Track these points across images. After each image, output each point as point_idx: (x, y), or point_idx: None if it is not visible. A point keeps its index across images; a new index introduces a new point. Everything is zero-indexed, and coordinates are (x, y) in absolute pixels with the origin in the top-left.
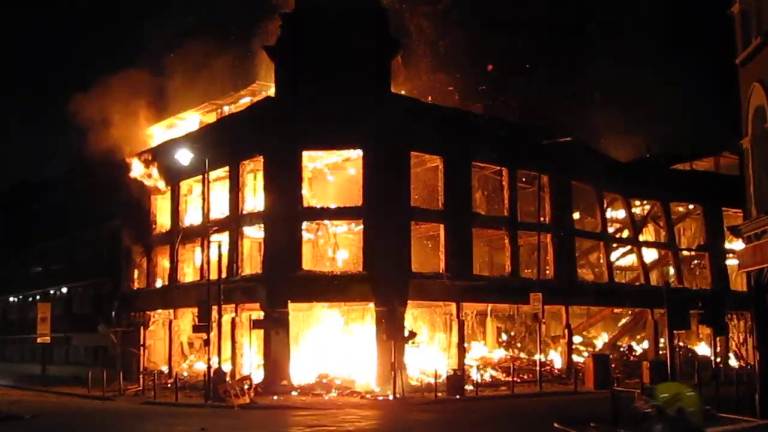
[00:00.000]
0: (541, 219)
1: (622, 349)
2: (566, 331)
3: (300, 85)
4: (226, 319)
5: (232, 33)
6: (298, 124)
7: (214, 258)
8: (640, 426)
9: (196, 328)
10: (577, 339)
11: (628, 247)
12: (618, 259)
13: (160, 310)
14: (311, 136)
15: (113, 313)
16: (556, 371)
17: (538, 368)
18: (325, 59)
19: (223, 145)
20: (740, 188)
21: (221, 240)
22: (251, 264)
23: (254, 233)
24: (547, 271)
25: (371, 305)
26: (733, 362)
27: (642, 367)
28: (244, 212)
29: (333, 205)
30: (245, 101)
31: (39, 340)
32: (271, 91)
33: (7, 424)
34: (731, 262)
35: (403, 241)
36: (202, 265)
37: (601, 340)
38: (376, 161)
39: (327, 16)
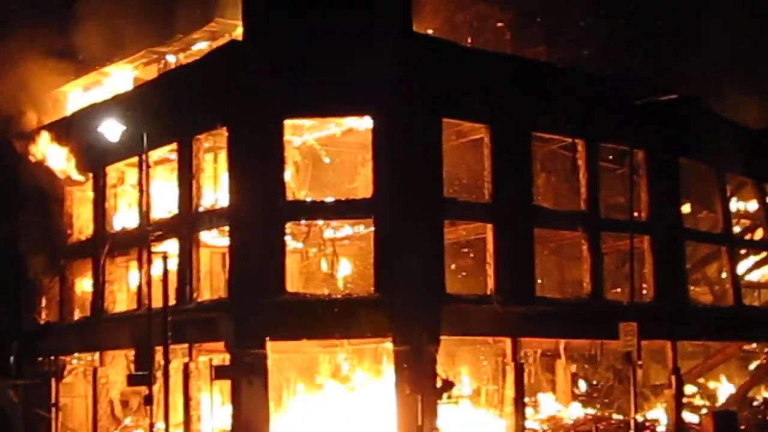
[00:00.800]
0: (635, 215)
1: (755, 403)
2: (673, 377)
3: (280, 24)
4: (177, 365)
5: None
6: (277, 81)
7: (157, 277)
8: None
9: (132, 380)
10: (689, 389)
11: (764, 254)
12: (749, 271)
13: (79, 354)
14: (297, 97)
15: (11, 358)
16: None
17: None
18: None
19: (168, 112)
20: None
21: (168, 251)
22: (212, 285)
23: (216, 240)
24: (645, 291)
25: (388, 343)
26: None
27: None
28: (201, 210)
29: (330, 199)
30: (200, 48)
31: None
32: (238, 33)
33: None
34: None
35: (433, 249)
36: (140, 288)
37: (724, 390)
38: (392, 133)
39: None
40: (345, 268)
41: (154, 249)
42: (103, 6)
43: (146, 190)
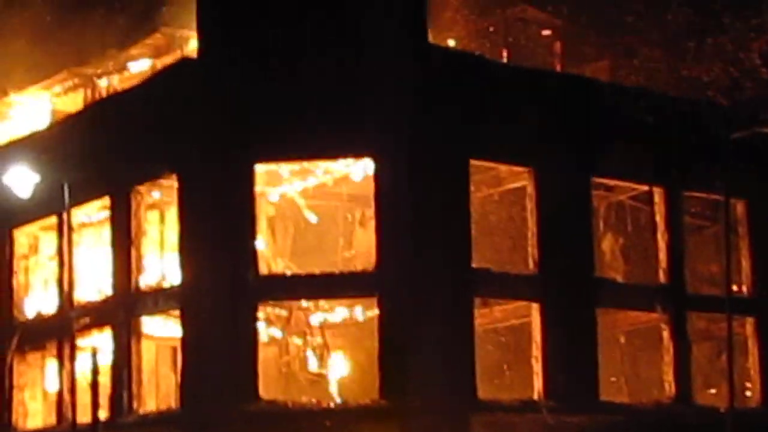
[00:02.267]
0: (734, 288)
1: None
2: None
3: (249, 33)
4: None
5: None
6: (245, 111)
7: (85, 379)
8: None
9: None
10: None
11: None
12: None
13: None
14: (273, 133)
15: None
16: None
17: None
18: None
19: (98, 155)
20: None
21: (98, 344)
22: (158, 390)
23: (163, 329)
24: (749, 393)
25: None
26: None
27: None
28: (143, 288)
29: (317, 271)
30: (140, 68)
31: None
32: (192, 49)
33: None
34: None
35: (459, 338)
36: (60, 395)
37: None
38: (401, 181)
39: None
40: (339, 366)
41: (79, 342)
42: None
43: (68, 261)
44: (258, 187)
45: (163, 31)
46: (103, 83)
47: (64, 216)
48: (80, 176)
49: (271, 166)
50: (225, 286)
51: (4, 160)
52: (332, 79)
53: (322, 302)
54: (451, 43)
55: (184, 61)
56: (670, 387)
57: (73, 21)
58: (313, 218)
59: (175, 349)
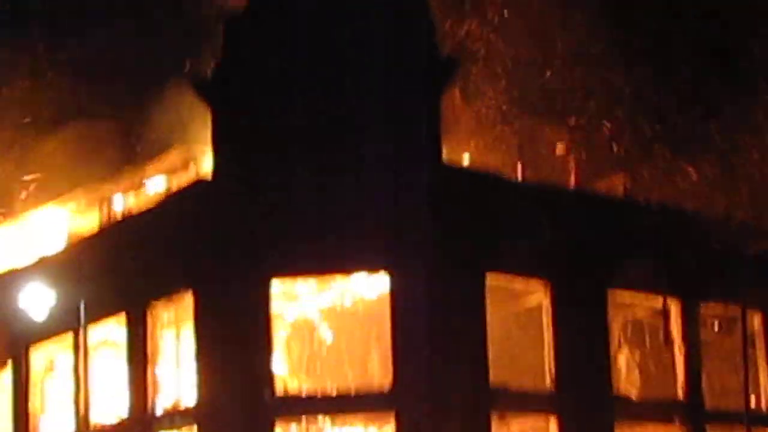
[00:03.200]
0: (753, 401)
1: None
2: None
3: (265, 151)
4: None
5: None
6: (260, 227)
7: None
8: None
9: None
10: None
11: None
12: None
13: None
14: (288, 249)
15: None
16: None
17: None
18: (313, 100)
19: (114, 272)
20: None
21: None
22: None
23: None
24: None
25: None
26: None
27: None
28: (158, 410)
29: (333, 390)
30: (156, 184)
31: None
32: (207, 169)
33: None
34: None
35: None
36: None
37: None
38: (418, 296)
39: (318, 17)
40: None
41: None
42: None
43: (84, 381)
44: (274, 305)
45: (179, 148)
46: (118, 201)
47: (80, 334)
48: (96, 293)
49: (287, 281)
50: (241, 406)
51: (21, 280)
52: (348, 194)
53: (339, 419)
54: (466, 157)
55: (199, 182)
56: None
57: (85, 137)
58: (329, 336)
59: None
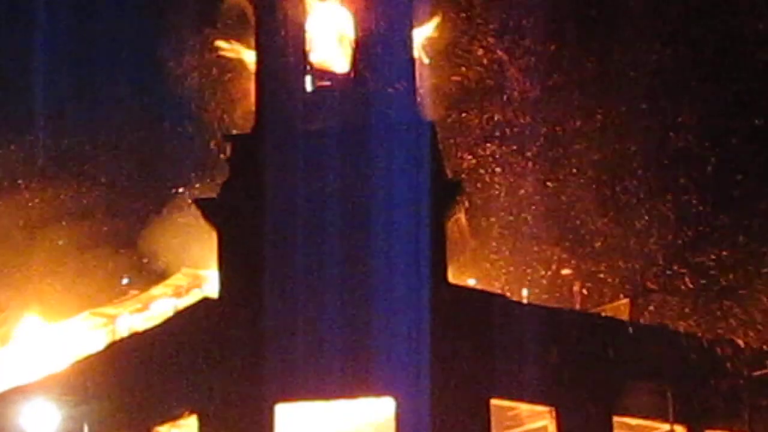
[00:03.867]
0: None
1: None
2: None
3: (269, 273)
4: None
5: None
6: (265, 350)
7: None
8: None
9: None
10: None
11: None
12: None
13: None
14: (293, 373)
15: None
16: None
17: None
18: (319, 223)
19: (118, 394)
20: None
21: None
22: None
23: None
24: None
25: None
26: None
27: None
28: None
29: None
30: (162, 307)
31: None
32: (212, 288)
33: None
34: None
35: None
36: None
37: None
38: (422, 421)
39: (324, 140)
40: None
41: None
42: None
43: None
44: (278, 430)
45: (185, 272)
46: (124, 323)
47: None
48: (100, 414)
49: (292, 406)
50: None
51: (24, 398)
52: (352, 318)
53: None
54: (471, 282)
55: (204, 301)
56: None
57: (96, 261)
58: None
59: None
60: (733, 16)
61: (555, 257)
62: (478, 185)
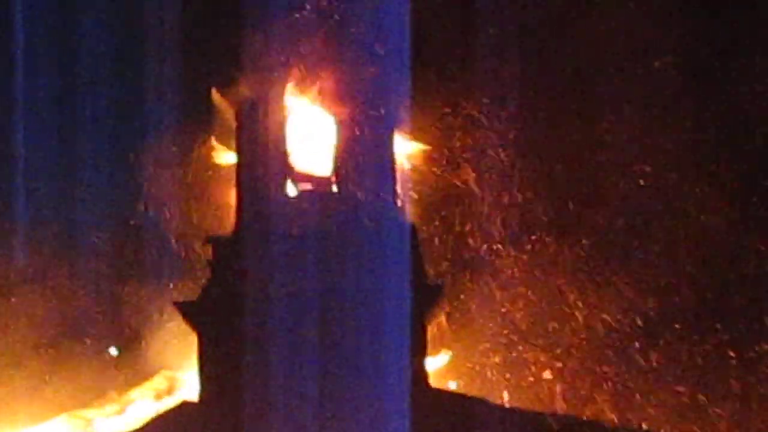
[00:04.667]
0: None
1: None
2: None
3: (250, 375)
4: None
5: None
6: None
7: None
8: None
9: None
10: None
11: None
12: None
13: None
14: None
15: None
16: None
17: None
18: (297, 325)
19: None
20: None
21: None
22: None
23: None
24: None
25: None
26: None
27: None
28: None
29: None
30: (141, 410)
31: None
32: (192, 391)
33: None
34: None
35: None
36: None
37: None
38: None
39: (304, 243)
40: None
41: None
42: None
43: None
44: None
45: (165, 374)
46: (102, 427)
47: None
48: None
49: None
50: None
51: None
52: (331, 423)
53: None
54: (452, 385)
55: (184, 404)
56: None
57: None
58: None
59: None
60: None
61: (537, 359)
62: (460, 286)
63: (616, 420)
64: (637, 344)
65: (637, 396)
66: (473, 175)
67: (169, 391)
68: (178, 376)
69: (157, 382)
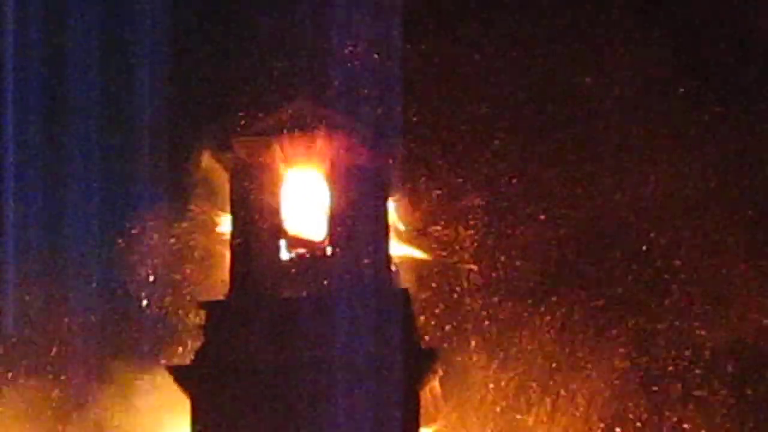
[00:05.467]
0: None
1: None
2: None
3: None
4: None
5: None
6: None
7: None
8: None
9: None
10: None
11: None
12: None
13: None
14: None
15: None
16: None
17: None
18: (293, 387)
19: None
20: None
21: None
22: None
23: None
24: None
25: None
26: None
27: None
28: None
29: None
30: None
31: None
32: None
33: None
34: None
35: None
36: None
37: None
38: None
39: (299, 304)
40: None
41: None
42: None
43: None
44: None
45: None
46: None
47: None
48: None
49: None
50: None
51: None
52: None
53: None
54: None
55: None
56: None
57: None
58: None
59: None
60: None
61: (531, 422)
62: (453, 351)
63: None
64: (631, 404)
65: None
66: (467, 244)
67: None
68: None
69: None
